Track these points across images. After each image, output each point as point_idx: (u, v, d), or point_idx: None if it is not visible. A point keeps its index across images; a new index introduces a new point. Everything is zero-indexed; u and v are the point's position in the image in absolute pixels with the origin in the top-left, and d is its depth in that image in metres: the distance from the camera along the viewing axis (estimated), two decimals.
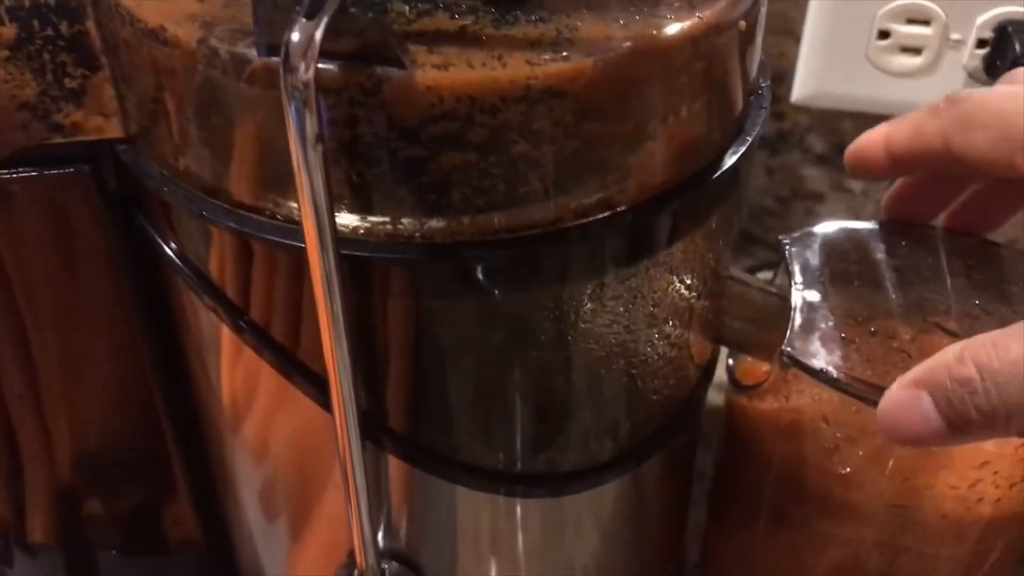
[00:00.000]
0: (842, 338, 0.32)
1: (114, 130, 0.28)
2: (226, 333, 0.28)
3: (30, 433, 0.37)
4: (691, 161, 0.26)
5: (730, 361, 0.38)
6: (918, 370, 0.25)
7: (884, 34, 0.53)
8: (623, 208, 0.25)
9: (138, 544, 0.42)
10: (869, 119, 0.57)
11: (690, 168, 0.26)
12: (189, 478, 0.39)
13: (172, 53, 0.23)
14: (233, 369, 0.29)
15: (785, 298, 0.35)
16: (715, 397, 0.48)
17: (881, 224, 0.36)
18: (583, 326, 0.27)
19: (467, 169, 0.23)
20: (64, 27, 0.26)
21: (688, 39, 0.24)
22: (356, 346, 0.26)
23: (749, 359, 0.36)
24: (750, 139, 0.28)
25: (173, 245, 0.28)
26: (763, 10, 0.28)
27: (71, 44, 0.26)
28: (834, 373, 0.31)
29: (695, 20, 0.24)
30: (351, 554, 0.31)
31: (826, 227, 0.36)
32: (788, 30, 0.55)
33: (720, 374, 0.38)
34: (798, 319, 0.32)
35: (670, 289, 0.28)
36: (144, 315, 0.32)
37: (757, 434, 0.36)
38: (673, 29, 0.24)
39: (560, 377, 0.28)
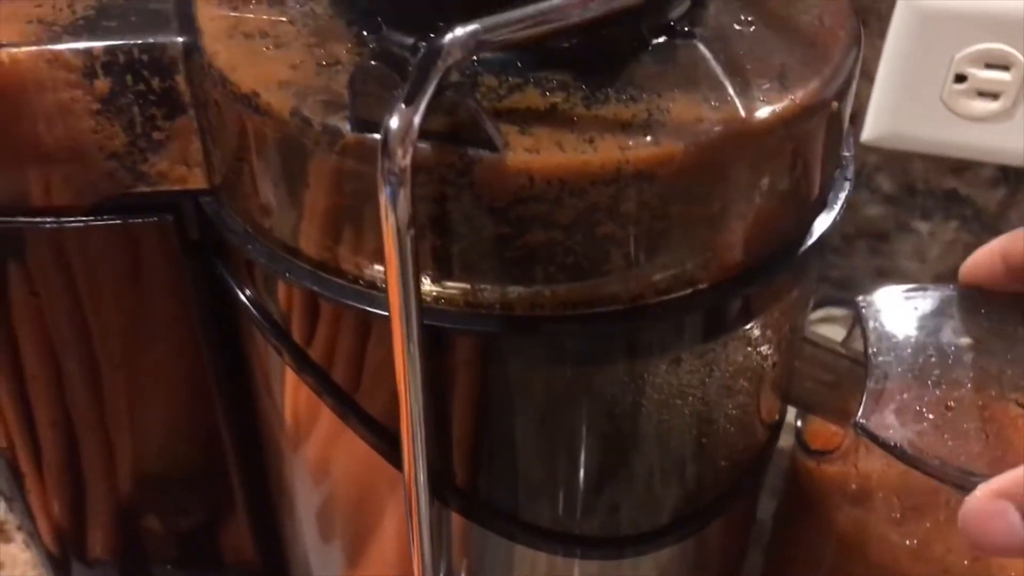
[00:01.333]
0: (917, 411, 0.31)
1: (197, 181, 0.28)
2: (290, 375, 0.28)
3: (94, 451, 0.38)
4: (774, 238, 0.26)
5: (799, 423, 0.38)
6: (1004, 480, 0.25)
7: (961, 78, 0.52)
8: (704, 286, 0.25)
9: (194, 561, 0.43)
10: (941, 162, 0.56)
11: (773, 245, 0.26)
12: (248, 501, 0.40)
13: (264, 120, 0.23)
14: (294, 406, 0.30)
15: (857, 361, 0.34)
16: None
17: (959, 290, 0.35)
18: (656, 398, 0.27)
19: (552, 247, 0.23)
20: (156, 82, 0.26)
21: (780, 122, 0.24)
22: (429, 407, 0.26)
23: (818, 421, 0.36)
24: (833, 214, 0.27)
25: (249, 293, 0.28)
26: (855, 80, 0.27)
27: (161, 98, 0.26)
28: (908, 450, 0.30)
29: (787, 102, 0.24)
30: None
31: (902, 289, 0.36)
32: (863, 69, 0.54)
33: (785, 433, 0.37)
34: (872, 388, 0.32)
35: (746, 361, 0.28)
36: (213, 349, 0.33)
37: (822, 497, 0.36)
38: (764, 112, 0.23)
39: (628, 446, 0.28)
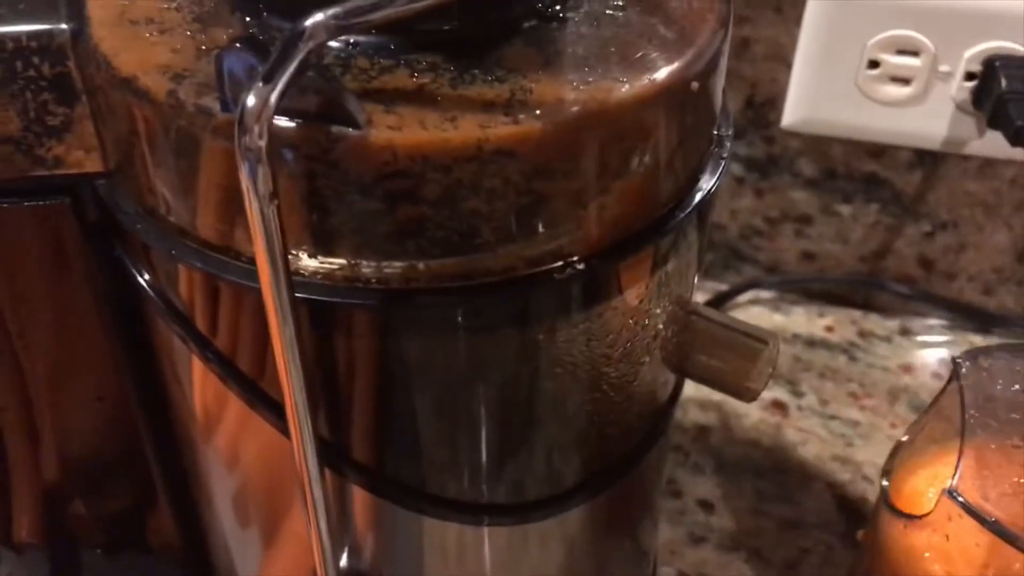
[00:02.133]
0: (1017, 483, 0.30)
1: (95, 165, 0.29)
2: (196, 363, 0.29)
3: (16, 440, 0.38)
4: (644, 213, 0.27)
5: (884, 482, 0.37)
6: None
7: (874, 64, 0.54)
8: (575, 259, 0.26)
9: (122, 543, 0.43)
10: (858, 146, 0.58)
11: (643, 219, 0.27)
12: (167, 485, 0.40)
13: (143, 104, 0.24)
14: (202, 393, 0.31)
15: (750, 335, 0.36)
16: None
17: None
18: (538, 367, 0.28)
19: (421, 221, 0.24)
20: (46, 68, 0.27)
21: (637, 102, 0.25)
22: (318, 381, 0.27)
23: (907, 481, 0.34)
24: (701, 194, 0.28)
25: (147, 276, 0.29)
26: (722, 65, 0.28)
27: (52, 84, 0.27)
28: (1006, 525, 0.29)
29: (646, 83, 0.25)
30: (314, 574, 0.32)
31: (1002, 348, 0.34)
32: (780, 56, 0.56)
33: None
34: (970, 456, 0.31)
35: (627, 332, 0.29)
36: (123, 335, 0.33)
37: (910, 564, 0.34)
38: (623, 92, 0.25)
39: (518, 414, 0.29)
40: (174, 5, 0.27)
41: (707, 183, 0.29)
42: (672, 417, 0.37)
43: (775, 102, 0.57)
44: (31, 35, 0.26)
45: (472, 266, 0.25)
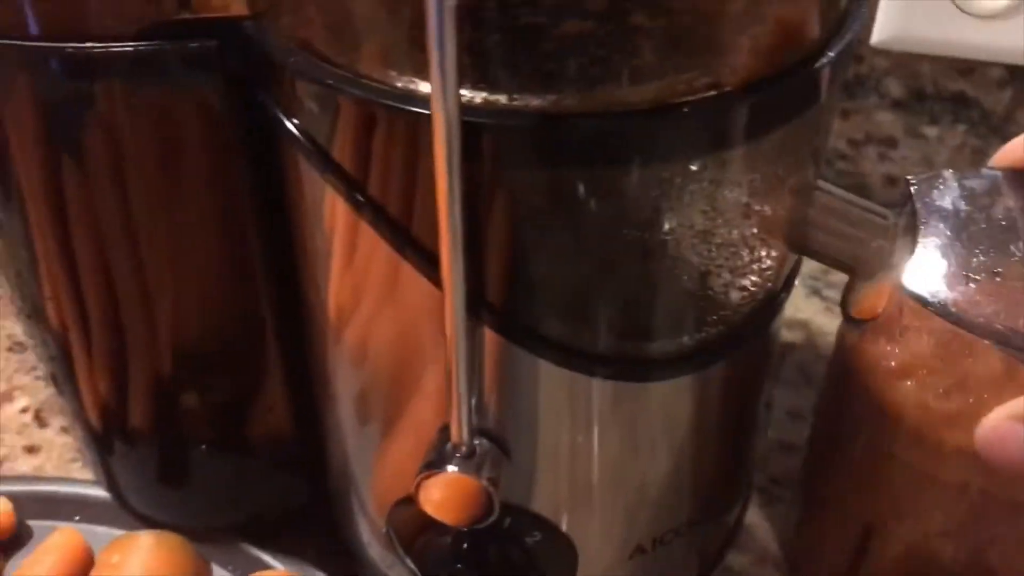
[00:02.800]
0: (965, 276, 0.32)
1: (240, 8, 0.29)
2: (342, 210, 0.30)
3: (137, 329, 0.39)
4: (795, 50, 0.27)
5: (843, 303, 0.38)
6: (1019, 404, 0.27)
7: None
8: (728, 89, 0.26)
9: (227, 441, 0.44)
10: (949, 63, 0.57)
11: (794, 57, 0.27)
12: (284, 374, 0.41)
13: None
14: (346, 246, 0.31)
15: (871, 210, 0.36)
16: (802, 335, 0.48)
17: (1005, 172, 0.36)
18: (679, 207, 0.28)
19: (584, 38, 0.24)
20: None
21: None
22: (466, 220, 0.27)
23: (864, 293, 0.36)
24: (851, 34, 0.28)
25: (296, 121, 0.29)
26: None
27: None
28: (954, 309, 0.31)
29: None
30: (443, 430, 0.33)
31: (952, 172, 0.37)
32: None
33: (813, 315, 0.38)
34: (923, 255, 0.33)
35: (763, 180, 0.29)
36: (256, 199, 0.34)
37: (866, 372, 0.36)
38: None
39: (652, 260, 0.29)
40: None
41: (851, 30, 0.29)
42: (785, 300, 0.37)
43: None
44: None
45: (629, 95, 0.25)
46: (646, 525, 0.37)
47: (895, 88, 0.59)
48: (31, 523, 0.45)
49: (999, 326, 0.31)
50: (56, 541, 0.41)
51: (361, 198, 0.29)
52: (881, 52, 0.58)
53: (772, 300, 0.35)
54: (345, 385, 0.37)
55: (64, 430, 0.51)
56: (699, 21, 0.25)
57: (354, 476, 0.40)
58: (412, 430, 0.35)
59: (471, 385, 0.30)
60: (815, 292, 0.60)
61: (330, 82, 0.27)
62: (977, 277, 0.32)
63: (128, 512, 0.45)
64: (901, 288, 0.32)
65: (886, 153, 0.62)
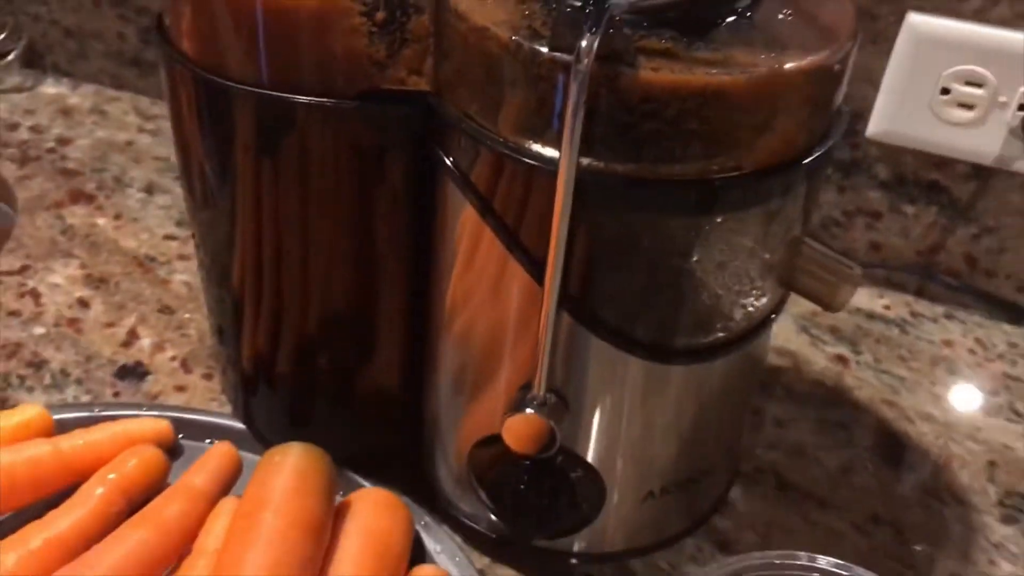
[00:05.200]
0: None
1: (422, 85, 0.43)
2: (472, 220, 0.44)
3: (295, 296, 0.52)
4: (792, 149, 0.41)
5: None
6: None
7: (946, 91, 0.68)
8: (746, 171, 0.40)
9: (346, 394, 0.56)
10: (926, 157, 0.71)
11: (791, 155, 0.41)
12: (400, 345, 0.54)
13: (490, 43, 0.39)
14: (470, 250, 0.45)
15: (846, 264, 0.50)
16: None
17: None
18: (705, 246, 0.42)
19: (658, 133, 0.39)
20: (412, 18, 0.42)
21: (800, 71, 0.39)
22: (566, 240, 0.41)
23: None
24: (831, 142, 0.43)
25: (452, 158, 0.43)
26: (852, 60, 0.43)
27: (411, 28, 0.42)
28: None
29: (806, 60, 0.39)
30: (524, 387, 0.47)
31: None
32: (870, 79, 0.70)
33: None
34: None
35: (765, 234, 0.43)
36: (406, 216, 0.48)
37: None
38: (792, 63, 0.39)
39: (683, 280, 0.43)
40: None
41: (833, 138, 0.43)
42: (774, 320, 0.51)
43: (863, 115, 0.71)
44: None
45: (686, 170, 0.40)
46: (656, 475, 0.51)
47: (883, 172, 0.73)
48: (183, 442, 0.59)
49: None
50: (217, 450, 0.54)
51: (491, 218, 0.43)
52: (874, 142, 0.72)
53: (765, 319, 0.49)
54: (448, 358, 0.51)
55: (205, 376, 0.65)
56: (731, 127, 0.39)
57: (442, 428, 0.54)
58: (495, 391, 0.49)
59: (553, 354, 0.45)
60: (804, 330, 0.74)
61: (487, 141, 0.41)
62: None
63: (260, 441, 0.59)
64: None
65: (872, 224, 0.76)
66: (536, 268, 0.43)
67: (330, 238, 0.50)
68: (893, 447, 0.65)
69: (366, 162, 0.46)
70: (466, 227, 0.45)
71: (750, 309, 0.47)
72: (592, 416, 0.48)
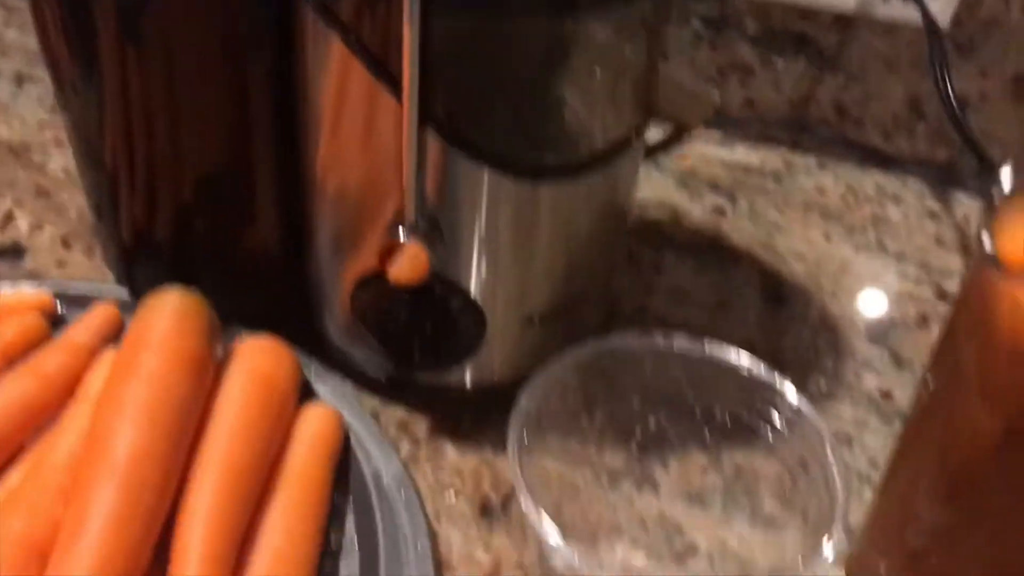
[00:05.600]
0: None
1: None
2: (338, 49, 0.44)
3: (167, 164, 0.52)
4: None
5: (986, 239, 0.34)
6: None
7: None
8: None
9: (228, 253, 0.57)
10: (792, 9, 0.73)
11: None
12: (276, 200, 0.54)
13: None
14: (338, 77, 0.45)
15: (703, 90, 0.51)
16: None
17: None
18: (569, 55, 0.43)
19: None
20: None
21: None
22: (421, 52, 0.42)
23: (1019, 233, 0.33)
24: None
25: None
26: None
27: None
28: None
29: None
30: (397, 213, 0.48)
31: None
32: None
33: None
34: None
35: (621, 48, 0.45)
36: (267, 66, 0.48)
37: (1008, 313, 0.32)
38: None
39: (545, 91, 0.44)
40: None
41: None
42: (640, 145, 0.52)
43: None
44: None
45: None
46: (533, 302, 0.53)
47: (752, 26, 0.75)
48: (67, 313, 0.58)
49: None
50: (98, 309, 0.54)
51: (352, 40, 0.43)
52: None
53: (626, 139, 0.50)
54: (326, 205, 0.51)
55: (86, 253, 0.65)
56: None
57: (324, 278, 0.54)
58: (373, 233, 0.50)
59: (420, 175, 0.45)
60: (683, 184, 0.76)
61: None
62: None
63: None
64: None
65: (745, 79, 0.78)
66: (396, 87, 0.43)
67: (197, 104, 0.49)
68: (768, 285, 0.67)
69: (229, 19, 0.46)
70: (331, 63, 0.45)
71: (611, 129, 0.48)
72: (466, 244, 0.49)
